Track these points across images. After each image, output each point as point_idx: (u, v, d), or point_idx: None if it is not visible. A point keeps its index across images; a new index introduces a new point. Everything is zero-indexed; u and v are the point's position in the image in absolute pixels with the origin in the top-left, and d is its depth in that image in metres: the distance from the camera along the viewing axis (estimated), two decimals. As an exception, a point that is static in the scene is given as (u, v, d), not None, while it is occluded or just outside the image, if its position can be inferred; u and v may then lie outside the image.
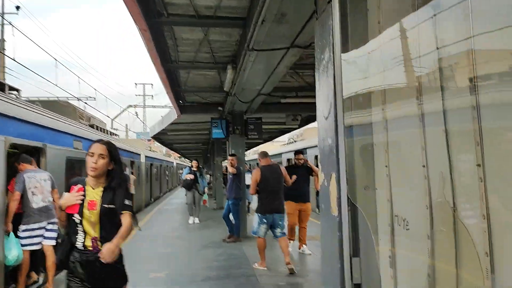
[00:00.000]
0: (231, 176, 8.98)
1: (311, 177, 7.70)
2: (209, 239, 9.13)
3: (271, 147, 28.35)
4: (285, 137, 27.50)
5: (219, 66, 6.94)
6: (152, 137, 18.44)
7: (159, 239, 9.50)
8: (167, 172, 31.09)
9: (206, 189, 11.87)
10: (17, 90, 6.57)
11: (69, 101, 20.31)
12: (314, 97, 3.05)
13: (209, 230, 10.41)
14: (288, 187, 6.74)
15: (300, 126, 14.52)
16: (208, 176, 23.10)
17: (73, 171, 8.70)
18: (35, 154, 6.00)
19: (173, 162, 38.44)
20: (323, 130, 2.89)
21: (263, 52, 4.93)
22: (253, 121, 10.46)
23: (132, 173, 16.22)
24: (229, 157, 9.28)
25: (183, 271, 6.48)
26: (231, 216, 9.04)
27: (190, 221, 11.71)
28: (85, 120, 12.22)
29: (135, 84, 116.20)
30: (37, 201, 5.29)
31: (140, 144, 26.22)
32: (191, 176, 11.52)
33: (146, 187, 20.09)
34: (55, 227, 5.54)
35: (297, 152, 8.30)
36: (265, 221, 6.18)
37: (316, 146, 13.65)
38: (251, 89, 7.26)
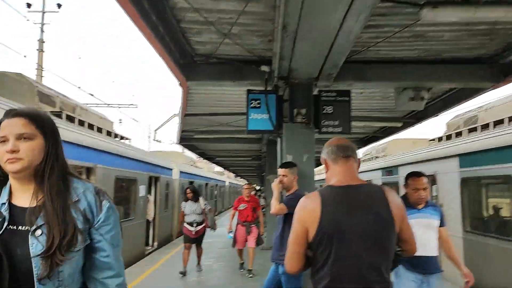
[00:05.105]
0: (281, 217, 3.68)
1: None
2: None
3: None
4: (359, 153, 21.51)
5: None
6: (180, 144, 13.65)
7: None
8: (215, 193, 26.34)
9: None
10: None
11: (108, 108, 16.37)
12: None
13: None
14: None
15: (408, 123, 8.50)
16: (263, 199, 17.13)
17: None
18: None
19: (224, 182, 33.76)
20: None
21: None
22: (333, 98, 5.05)
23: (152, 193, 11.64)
24: (279, 170, 4.02)
25: None
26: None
27: None
28: (57, 106, 7.73)
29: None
30: None
31: (182, 159, 21.82)
32: None
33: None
34: None
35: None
36: None
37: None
38: None
